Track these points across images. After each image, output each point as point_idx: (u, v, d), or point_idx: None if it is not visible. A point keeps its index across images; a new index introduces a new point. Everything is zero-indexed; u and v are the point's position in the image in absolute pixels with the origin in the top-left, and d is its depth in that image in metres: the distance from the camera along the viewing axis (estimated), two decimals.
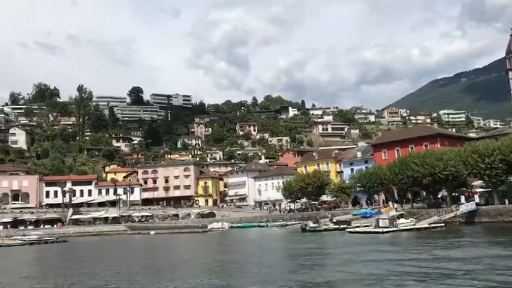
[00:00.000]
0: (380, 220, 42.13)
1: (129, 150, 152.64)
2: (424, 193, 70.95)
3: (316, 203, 79.52)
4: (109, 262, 31.86)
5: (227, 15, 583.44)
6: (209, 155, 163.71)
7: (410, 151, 76.81)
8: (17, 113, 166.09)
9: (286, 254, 31.82)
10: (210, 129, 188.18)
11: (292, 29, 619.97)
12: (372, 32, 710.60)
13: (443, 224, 43.73)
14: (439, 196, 60.80)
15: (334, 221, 52.38)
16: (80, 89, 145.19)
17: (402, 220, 42.80)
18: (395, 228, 40.67)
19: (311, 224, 52.74)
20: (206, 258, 31.14)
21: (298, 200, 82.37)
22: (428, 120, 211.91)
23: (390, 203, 62.14)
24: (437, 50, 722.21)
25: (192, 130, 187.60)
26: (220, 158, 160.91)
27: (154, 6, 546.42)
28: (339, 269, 21.42)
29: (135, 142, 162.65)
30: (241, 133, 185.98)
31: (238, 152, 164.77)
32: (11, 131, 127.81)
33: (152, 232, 74.32)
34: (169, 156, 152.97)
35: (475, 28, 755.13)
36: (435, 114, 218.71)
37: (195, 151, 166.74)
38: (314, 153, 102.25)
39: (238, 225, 78.97)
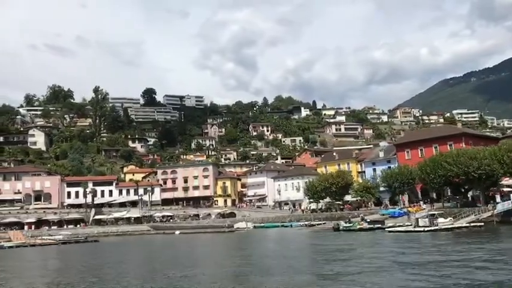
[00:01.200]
0: (419, 219, 42.10)
1: (144, 151, 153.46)
2: (449, 192, 70.90)
3: (340, 203, 79.50)
4: (164, 260, 32.24)
5: (235, 15, 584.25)
6: (223, 156, 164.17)
7: (435, 151, 77.01)
8: (33, 114, 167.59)
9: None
10: (223, 130, 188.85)
11: (300, 29, 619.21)
12: (380, 31, 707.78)
13: (482, 223, 43.58)
14: (469, 195, 60.62)
15: (368, 220, 52.31)
16: (96, 90, 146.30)
17: (441, 219, 42.73)
18: (436, 227, 40.64)
19: (343, 223, 52.74)
20: (259, 257, 31.26)
21: (321, 200, 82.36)
22: (442, 120, 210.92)
23: (421, 203, 61.91)
24: (446, 50, 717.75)
25: (206, 131, 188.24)
26: (234, 159, 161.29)
27: (162, 8, 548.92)
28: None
29: (150, 143, 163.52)
30: (254, 133, 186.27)
31: (252, 152, 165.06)
32: (30, 132, 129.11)
33: (177, 232, 74.73)
34: (184, 156, 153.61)
35: (484, 27, 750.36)
36: (448, 114, 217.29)
37: (209, 152, 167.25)
38: (334, 153, 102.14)
39: (262, 225, 79.21)
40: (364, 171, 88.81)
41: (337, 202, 79.43)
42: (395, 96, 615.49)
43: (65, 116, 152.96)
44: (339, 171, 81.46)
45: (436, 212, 44.77)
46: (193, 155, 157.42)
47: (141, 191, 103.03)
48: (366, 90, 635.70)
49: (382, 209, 68.68)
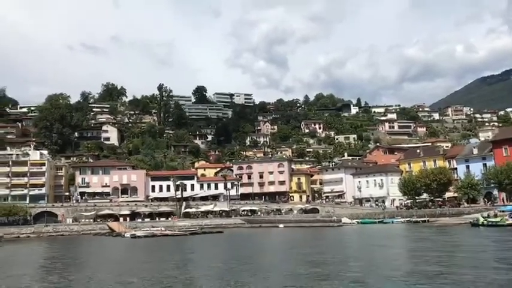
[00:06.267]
0: None
1: (205, 147, 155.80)
2: None
3: (440, 199, 79.23)
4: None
5: (267, 14, 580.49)
6: (278, 153, 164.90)
7: None
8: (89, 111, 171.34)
9: None
10: (275, 127, 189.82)
11: (332, 26, 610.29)
12: (414, 28, 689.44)
13: None
14: None
15: None
16: (160, 87, 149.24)
17: None
18: None
19: (481, 218, 52.50)
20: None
21: (417, 197, 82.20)
22: (495, 118, 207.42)
23: None
24: (482, 46, 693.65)
25: (258, 128, 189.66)
26: (289, 156, 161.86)
27: (195, 7, 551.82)
28: None
29: (208, 139, 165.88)
30: (306, 131, 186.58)
31: (308, 150, 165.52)
32: (104, 128, 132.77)
33: (281, 225, 75.74)
34: (244, 153, 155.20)
35: None
36: (502, 112, 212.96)
37: (265, 148, 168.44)
38: (418, 150, 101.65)
39: (359, 221, 79.24)
40: (456, 168, 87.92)
41: (437, 199, 79.13)
42: (429, 94, 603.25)
43: (130, 112, 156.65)
44: (441, 168, 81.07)
45: None
46: (252, 152, 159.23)
47: (221, 185, 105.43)
48: (398, 88, 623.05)
49: (499, 205, 67.80)
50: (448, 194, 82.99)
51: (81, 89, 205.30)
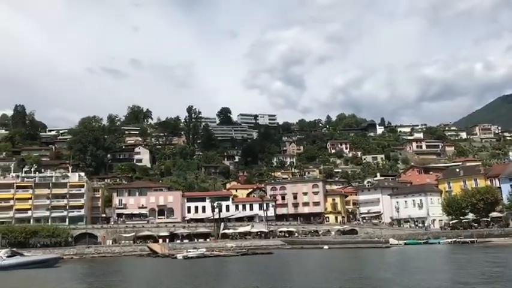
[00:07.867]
0: None
1: (233, 168, 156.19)
2: None
3: (487, 219, 77.39)
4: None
5: (284, 34, 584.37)
6: (306, 173, 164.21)
7: None
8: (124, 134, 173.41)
9: None
10: (301, 148, 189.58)
11: (349, 46, 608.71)
12: (432, 47, 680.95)
13: None
14: None
15: None
16: (190, 109, 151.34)
17: None
18: None
19: None
20: None
21: (462, 217, 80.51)
22: None
23: None
24: (502, 64, 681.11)
25: (284, 148, 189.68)
26: (317, 177, 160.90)
27: (213, 29, 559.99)
28: None
29: (236, 160, 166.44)
30: (333, 151, 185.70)
31: (336, 170, 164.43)
32: (136, 149, 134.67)
33: (326, 247, 74.65)
34: (272, 173, 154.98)
35: None
36: None
37: (292, 169, 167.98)
38: (457, 169, 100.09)
39: (405, 241, 77.78)
40: (500, 188, 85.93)
41: (484, 218, 77.32)
42: (450, 113, 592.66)
43: (160, 134, 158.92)
44: (487, 187, 79.59)
45: None
46: (280, 173, 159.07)
47: (256, 206, 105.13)
48: (418, 108, 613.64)
49: None
50: (493, 214, 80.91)
51: (101, 112, 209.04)
